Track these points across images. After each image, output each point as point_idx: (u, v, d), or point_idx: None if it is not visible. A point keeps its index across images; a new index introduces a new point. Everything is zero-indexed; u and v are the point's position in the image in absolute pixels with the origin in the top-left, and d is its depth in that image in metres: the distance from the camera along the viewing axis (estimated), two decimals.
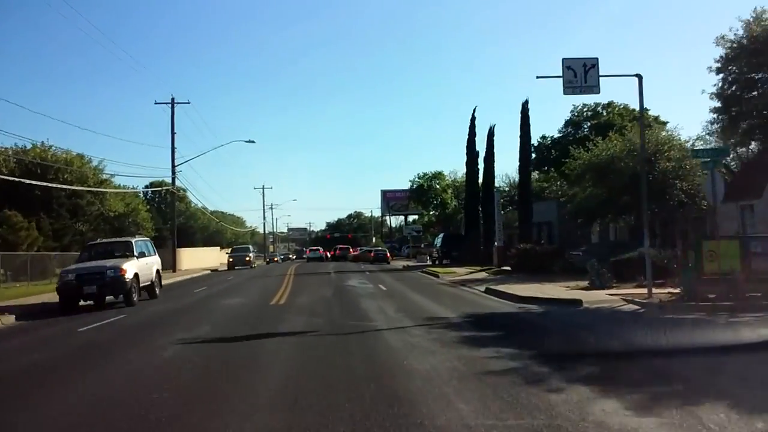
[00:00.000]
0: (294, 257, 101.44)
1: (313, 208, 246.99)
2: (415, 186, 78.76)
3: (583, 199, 32.22)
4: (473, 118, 44.60)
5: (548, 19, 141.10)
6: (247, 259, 51.87)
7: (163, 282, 32.03)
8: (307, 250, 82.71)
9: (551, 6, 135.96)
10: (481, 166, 44.13)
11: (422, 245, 71.93)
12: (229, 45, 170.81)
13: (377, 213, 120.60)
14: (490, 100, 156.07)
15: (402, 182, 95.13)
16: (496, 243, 33.93)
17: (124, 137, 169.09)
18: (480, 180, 44.28)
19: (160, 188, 48.30)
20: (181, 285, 30.22)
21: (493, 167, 44.07)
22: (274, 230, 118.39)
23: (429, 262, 51.70)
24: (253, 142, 47.21)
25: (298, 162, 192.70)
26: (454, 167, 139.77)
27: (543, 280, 24.46)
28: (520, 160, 43.17)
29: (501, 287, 21.28)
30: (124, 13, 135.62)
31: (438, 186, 77.80)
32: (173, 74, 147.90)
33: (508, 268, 32.19)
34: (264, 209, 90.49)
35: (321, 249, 77.11)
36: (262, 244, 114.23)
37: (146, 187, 78.39)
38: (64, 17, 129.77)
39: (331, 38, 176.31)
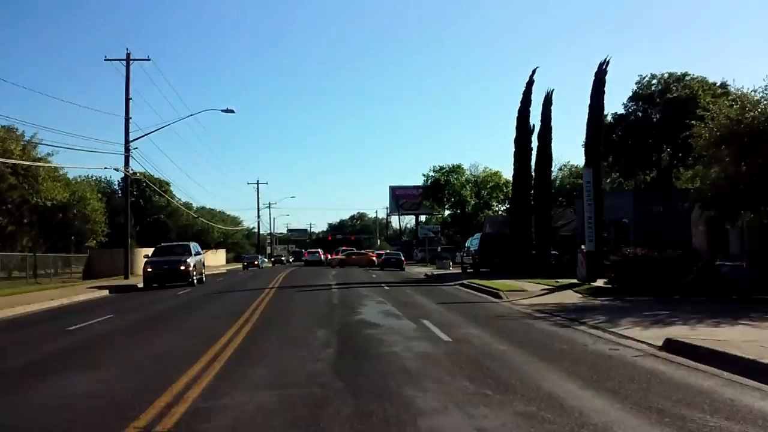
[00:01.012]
0: (292, 259, 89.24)
1: (314, 208, 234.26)
2: (429, 181, 66.48)
3: (713, 183, 20.61)
4: (530, 83, 32.37)
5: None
6: (183, 268, 26.61)
7: (46, 305, 17.99)
8: (306, 252, 70.67)
9: None
10: (534, 144, 32.07)
11: (438, 248, 59.86)
12: (226, 42, 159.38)
13: (382, 214, 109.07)
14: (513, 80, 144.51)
15: (411, 181, 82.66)
16: (583, 246, 21.69)
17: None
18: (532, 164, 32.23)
19: (100, 167, 36.11)
20: (69, 312, 17.37)
21: (550, 146, 31.95)
22: (272, 230, 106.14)
23: (453, 270, 39.69)
24: (232, 111, 34.07)
25: (298, 161, 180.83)
26: (475, 160, 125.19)
27: (723, 312, 12.86)
28: (588, 136, 31.33)
29: (705, 340, 9.37)
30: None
31: (456, 182, 65.57)
32: (173, 70, 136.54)
33: (603, 282, 20.22)
34: (258, 206, 78.29)
35: (321, 251, 64.88)
36: (260, 245, 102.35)
37: (122, 178, 66.60)
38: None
39: (332, 35, 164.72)
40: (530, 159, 32.11)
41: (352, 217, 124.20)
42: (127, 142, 34.05)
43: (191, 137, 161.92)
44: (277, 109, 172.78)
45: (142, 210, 64.36)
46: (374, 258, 50.70)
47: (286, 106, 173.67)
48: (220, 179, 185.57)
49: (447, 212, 72.04)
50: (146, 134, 34.68)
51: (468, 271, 35.33)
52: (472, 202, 64.88)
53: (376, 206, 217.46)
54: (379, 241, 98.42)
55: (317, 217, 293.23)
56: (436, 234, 61.37)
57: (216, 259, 77.98)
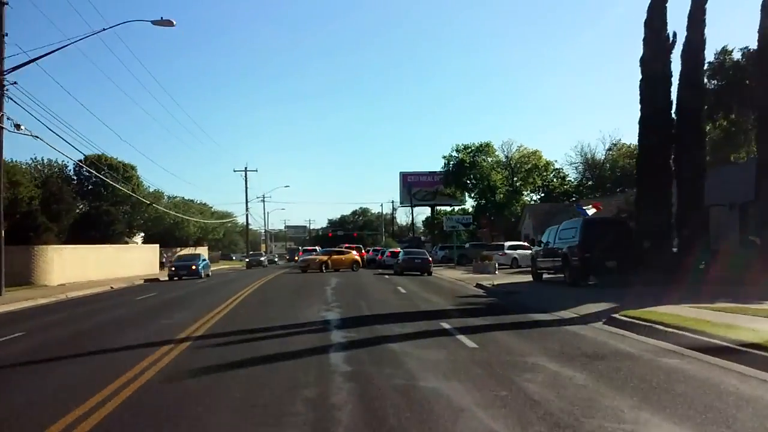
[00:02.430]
0: (288, 258, 74.98)
1: (313, 203, 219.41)
2: (451, 163, 52.48)
3: None
4: None
5: None
6: None
7: None
8: (301, 250, 56.68)
9: None
10: (675, 68, 18.20)
11: (466, 245, 46.01)
12: (218, 39, 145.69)
13: (388, 209, 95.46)
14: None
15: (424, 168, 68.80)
16: None
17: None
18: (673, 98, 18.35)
19: None
20: None
21: (702, 71, 18.16)
22: (266, 225, 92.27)
23: (502, 276, 26.22)
24: (171, 24, 19.65)
25: (295, 152, 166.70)
26: (509, 138, 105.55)
27: None
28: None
29: None
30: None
31: (485, 163, 51.80)
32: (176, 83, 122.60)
33: None
34: (246, 196, 64.23)
35: (318, 249, 50.54)
36: (255, 242, 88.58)
37: (79, 161, 52.11)
38: None
39: (331, 32, 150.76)
40: (669, 93, 18.20)
41: (354, 213, 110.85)
42: (0, 72, 20.25)
43: (170, 122, 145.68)
44: (269, 94, 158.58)
45: (103, 198, 50.53)
46: (357, 258, 37.86)
47: (280, 92, 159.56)
48: (205, 169, 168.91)
49: (470, 202, 58.42)
50: (32, 60, 20.80)
51: (544, 278, 21.64)
52: (504, 189, 51.11)
53: (381, 200, 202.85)
54: (384, 237, 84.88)
55: (317, 213, 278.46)
56: (467, 226, 47.34)
57: None
